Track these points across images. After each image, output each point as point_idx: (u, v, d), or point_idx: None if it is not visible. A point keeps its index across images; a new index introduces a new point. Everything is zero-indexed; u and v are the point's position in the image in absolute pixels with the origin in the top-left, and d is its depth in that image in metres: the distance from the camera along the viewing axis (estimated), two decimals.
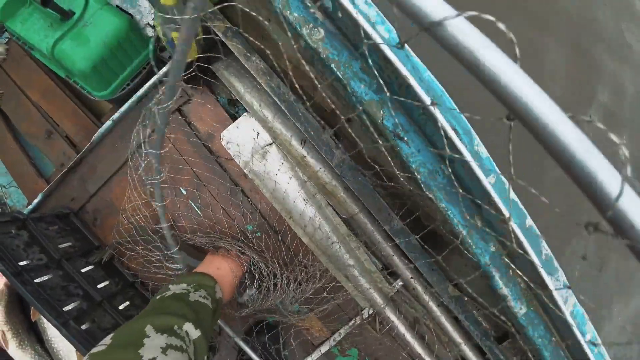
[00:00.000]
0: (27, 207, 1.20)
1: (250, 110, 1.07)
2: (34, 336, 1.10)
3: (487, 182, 0.46)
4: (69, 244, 1.09)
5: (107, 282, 1.08)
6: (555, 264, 0.52)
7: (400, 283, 1.17)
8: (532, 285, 0.49)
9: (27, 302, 1.12)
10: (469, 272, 0.59)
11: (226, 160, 1.13)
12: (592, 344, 0.53)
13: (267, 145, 1.10)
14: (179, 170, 1.14)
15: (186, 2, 0.37)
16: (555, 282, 0.52)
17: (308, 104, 0.69)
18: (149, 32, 1.26)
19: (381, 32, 0.49)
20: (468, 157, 0.44)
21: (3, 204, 1.38)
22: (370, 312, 1.21)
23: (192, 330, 0.59)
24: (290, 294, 1.04)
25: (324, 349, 1.24)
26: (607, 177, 0.19)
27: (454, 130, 0.47)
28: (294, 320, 1.19)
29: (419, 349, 1.16)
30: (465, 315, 0.90)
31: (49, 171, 1.32)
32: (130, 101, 1.11)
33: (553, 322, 0.56)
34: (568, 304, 0.56)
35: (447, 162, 0.47)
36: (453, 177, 0.47)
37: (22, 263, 0.88)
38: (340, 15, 0.49)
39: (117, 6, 1.21)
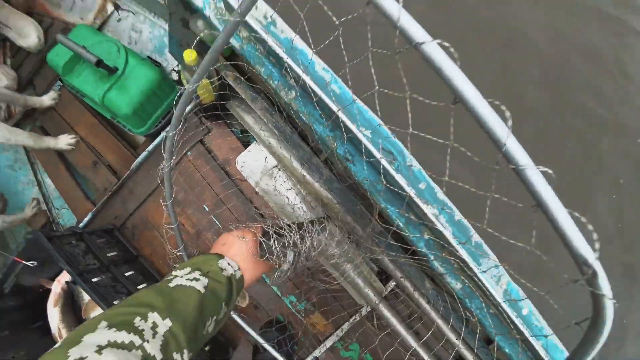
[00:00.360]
0: (77, 224, 1.44)
1: (258, 139, 1.30)
2: None
3: (410, 188, 0.66)
4: (114, 253, 1.32)
5: (144, 284, 1.31)
6: (485, 248, 0.70)
7: (394, 283, 1.35)
8: (462, 264, 0.67)
9: (78, 303, 1.36)
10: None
11: (240, 181, 1.35)
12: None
13: (273, 168, 1.31)
14: (202, 191, 1.37)
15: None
16: (486, 262, 0.71)
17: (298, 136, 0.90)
18: (174, 75, 1.51)
19: (335, 89, 0.70)
20: (393, 172, 0.64)
21: (56, 223, 1.63)
22: (368, 309, 1.39)
23: (159, 321, 0.51)
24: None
25: (328, 343, 1.41)
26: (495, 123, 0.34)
27: (389, 152, 0.67)
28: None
29: (412, 342, 1.32)
30: (444, 306, 1.07)
31: (94, 195, 1.57)
32: (161, 135, 1.35)
33: (488, 297, 0.74)
34: (501, 282, 0.75)
35: (382, 176, 0.67)
36: (388, 185, 0.67)
37: (82, 266, 1.11)
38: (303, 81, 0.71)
39: (149, 57, 1.47)
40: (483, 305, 0.76)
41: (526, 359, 0.81)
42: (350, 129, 0.64)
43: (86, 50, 1.21)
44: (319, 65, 0.71)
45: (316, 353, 1.42)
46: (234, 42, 0.83)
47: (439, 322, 1.23)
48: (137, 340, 0.46)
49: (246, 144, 1.37)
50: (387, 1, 0.31)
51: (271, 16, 0.73)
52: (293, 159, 1.23)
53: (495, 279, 0.74)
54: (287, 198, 1.30)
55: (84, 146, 1.54)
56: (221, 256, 0.69)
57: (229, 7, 0.77)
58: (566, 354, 0.79)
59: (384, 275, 1.37)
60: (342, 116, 0.64)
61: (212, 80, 1.16)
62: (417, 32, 0.31)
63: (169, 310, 0.53)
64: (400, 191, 0.65)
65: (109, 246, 1.33)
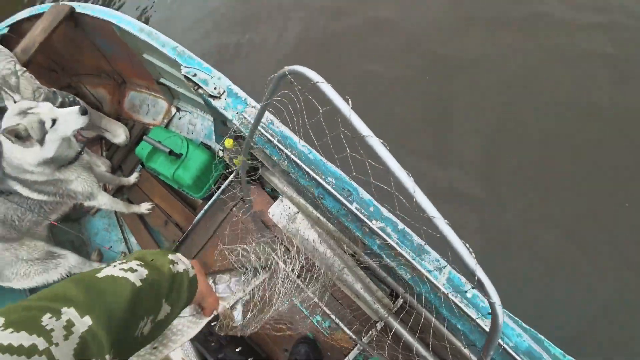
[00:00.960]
0: None
1: (283, 194, 1.75)
2: None
3: (357, 210, 1.06)
4: None
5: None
6: (427, 248, 1.06)
7: (401, 300, 1.66)
8: (409, 261, 1.04)
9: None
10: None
11: (273, 227, 1.79)
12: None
13: (295, 213, 1.75)
14: (245, 237, 1.81)
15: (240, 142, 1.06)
16: (427, 257, 1.07)
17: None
18: (221, 153, 2.05)
19: (310, 157, 1.15)
20: (347, 204, 1.05)
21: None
22: (382, 325, 1.70)
23: (76, 319, 0.41)
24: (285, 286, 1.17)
25: (351, 356, 1.71)
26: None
27: (348, 190, 1.09)
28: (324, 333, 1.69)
29: (425, 354, 1.56)
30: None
31: (164, 246, 2.07)
32: (212, 199, 1.85)
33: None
34: (444, 272, 1.09)
35: (346, 205, 1.07)
36: (353, 211, 1.08)
37: None
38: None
39: (202, 142, 2.03)
40: (430, 289, 1.10)
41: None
42: (319, 181, 1.08)
43: (161, 144, 1.77)
44: (300, 143, 1.17)
45: None
46: (247, 133, 1.31)
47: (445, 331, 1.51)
48: (42, 344, 0.36)
49: (275, 199, 1.83)
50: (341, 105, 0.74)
51: (269, 118, 1.22)
52: (308, 205, 1.67)
53: (438, 270, 1.09)
54: (307, 236, 1.71)
55: (157, 210, 2.08)
56: (172, 253, 0.63)
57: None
58: (516, 329, 1.07)
59: (393, 293, 1.69)
60: (314, 175, 1.09)
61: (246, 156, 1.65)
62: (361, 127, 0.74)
63: (91, 305, 0.43)
64: (358, 213, 1.06)
65: None
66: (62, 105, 1.89)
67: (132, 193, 2.16)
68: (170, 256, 0.62)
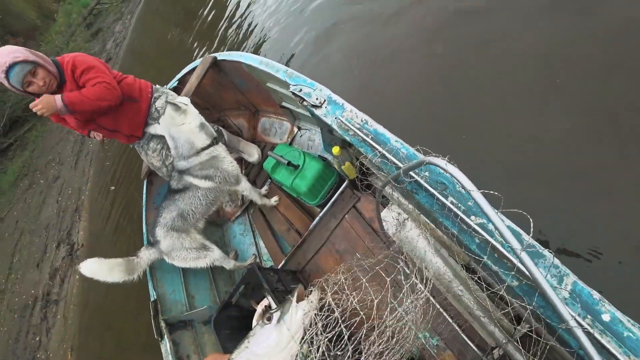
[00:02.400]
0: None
1: (392, 201, 1.77)
2: None
3: (452, 205, 0.99)
4: (294, 285, 1.92)
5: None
6: (540, 249, 0.93)
7: (528, 326, 1.44)
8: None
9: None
10: None
11: (382, 233, 1.82)
12: None
13: (405, 220, 1.74)
14: (355, 242, 1.89)
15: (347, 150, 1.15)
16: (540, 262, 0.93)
17: None
18: (335, 164, 2.21)
19: (403, 151, 1.15)
20: (442, 198, 1.01)
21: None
22: (501, 352, 1.50)
23: None
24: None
25: None
26: None
27: (443, 183, 1.05)
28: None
29: None
30: None
31: (287, 250, 2.29)
32: (327, 206, 1.99)
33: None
34: (566, 282, 0.94)
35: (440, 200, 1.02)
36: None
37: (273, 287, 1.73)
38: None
39: (319, 155, 2.23)
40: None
41: None
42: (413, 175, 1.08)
43: (282, 157, 2.03)
44: (393, 139, 1.20)
45: None
46: (345, 135, 1.39)
47: None
48: None
49: (384, 206, 1.86)
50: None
51: (364, 119, 1.29)
52: (418, 211, 1.65)
53: (558, 278, 0.94)
54: (417, 242, 1.68)
55: (281, 217, 2.34)
56: None
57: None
58: None
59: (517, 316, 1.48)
60: (397, 162, 1.10)
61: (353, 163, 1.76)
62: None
63: None
64: (453, 207, 1.02)
65: (293, 280, 1.94)
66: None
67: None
68: None
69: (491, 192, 0.75)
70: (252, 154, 2.59)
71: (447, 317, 1.56)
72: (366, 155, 1.57)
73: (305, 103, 1.46)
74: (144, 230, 2.41)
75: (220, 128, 2.48)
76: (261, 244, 2.45)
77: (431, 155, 1.01)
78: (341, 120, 1.35)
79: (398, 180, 1.16)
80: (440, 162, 0.72)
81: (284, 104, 2.29)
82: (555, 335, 1.19)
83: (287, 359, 0.66)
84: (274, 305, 1.84)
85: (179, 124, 1.94)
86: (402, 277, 1.61)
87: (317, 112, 1.43)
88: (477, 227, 0.99)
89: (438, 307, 1.59)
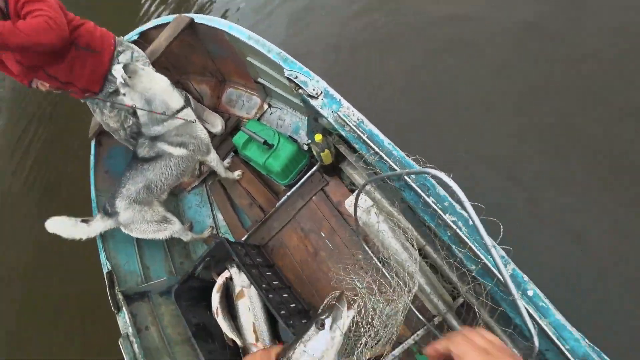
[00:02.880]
0: None
1: (359, 187, 1.94)
2: (229, 314, 1.90)
3: (433, 203, 1.20)
4: (260, 260, 2.00)
5: (277, 282, 1.95)
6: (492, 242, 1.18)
7: (462, 299, 1.75)
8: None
9: (230, 293, 2.00)
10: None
11: (348, 217, 1.98)
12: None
13: (370, 206, 1.92)
14: (321, 223, 2.03)
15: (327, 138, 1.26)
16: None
17: None
18: (305, 147, 2.29)
19: (395, 154, 1.32)
20: (425, 197, 1.20)
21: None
22: (440, 319, 1.80)
23: None
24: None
25: (405, 345, 1.82)
26: None
27: (426, 185, 1.24)
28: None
29: None
30: None
31: (247, 224, 2.34)
32: (296, 186, 2.09)
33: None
34: (508, 268, 1.20)
35: (424, 198, 1.22)
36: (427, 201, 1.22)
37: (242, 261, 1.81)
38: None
39: (289, 136, 2.28)
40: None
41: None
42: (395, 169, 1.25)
43: (257, 135, 2.05)
44: (386, 141, 1.35)
45: (395, 352, 1.84)
46: (341, 131, 1.50)
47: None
48: None
49: (352, 191, 2.02)
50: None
51: (360, 118, 1.41)
52: (384, 199, 1.84)
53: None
54: (378, 227, 1.88)
55: (244, 192, 2.37)
56: None
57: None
58: (573, 332, 1.14)
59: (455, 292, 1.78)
60: (392, 164, 1.26)
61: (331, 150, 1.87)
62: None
63: None
64: (434, 205, 1.21)
65: (257, 255, 2.03)
66: None
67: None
68: None
69: (477, 203, 0.91)
70: (216, 124, 2.53)
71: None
72: (362, 153, 1.67)
73: (301, 91, 1.51)
74: (93, 196, 2.24)
75: (188, 95, 2.37)
76: (219, 217, 2.46)
77: (426, 165, 1.19)
78: (338, 116, 1.44)
79: (389, 179, 1.31)
80: (444, 177, 0.85)
81: (259, 79, 2.27)
82: (487, 307, 1.50)
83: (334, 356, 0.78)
84: (236, 278, 1.91)
85: (153, 84, 1.83)
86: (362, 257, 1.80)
87: (313, 102, 1.50)
88: (451, 223, 1.19)
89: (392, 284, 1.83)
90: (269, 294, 1.67)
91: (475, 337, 0.56)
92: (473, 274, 1.28)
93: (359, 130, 1.38)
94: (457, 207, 1.26)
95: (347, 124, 1.42)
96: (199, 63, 2.62)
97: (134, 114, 2.21)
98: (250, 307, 1.86)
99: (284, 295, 1.87)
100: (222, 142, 2.57)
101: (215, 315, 1.91)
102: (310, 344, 0.71)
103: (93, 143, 2.39)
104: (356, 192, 1.47)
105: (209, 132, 2.58)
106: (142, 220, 1.96)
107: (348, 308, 0.80)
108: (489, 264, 1.16)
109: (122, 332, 1.72)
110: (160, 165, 1.92)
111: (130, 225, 1.96)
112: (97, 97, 2.07)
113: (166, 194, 2.11)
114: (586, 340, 1.08)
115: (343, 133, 1.44)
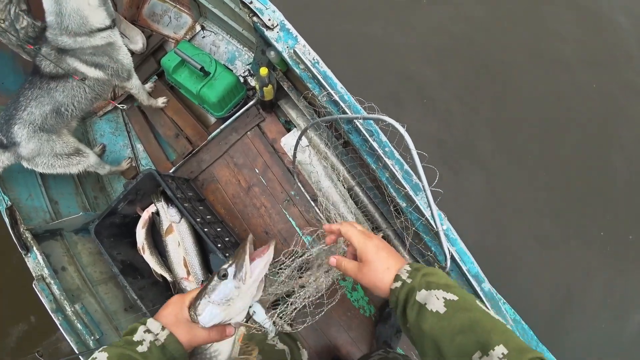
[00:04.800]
0: None
1: (297, 126, 1.95)
2: (156, 249, 1.87)
3: (376, 147, 1.33)
4: (191, 194, 1.93)
5: (209, 216, 1.93)
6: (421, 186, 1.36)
7: (381, 234, 1.98)
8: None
9: (157, 228, 1.93)
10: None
11: (282, 154, 2.00)
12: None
13: (306, 146, 1.97)
14: (255, 159, 2.01)
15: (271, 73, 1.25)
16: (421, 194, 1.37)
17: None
18: (241, 79, 2.16)
19: (345, 97, 1.37)
20: (370, 140, 1.31)
21: None
22: None
23: None
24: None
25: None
26: None
27: (371, 131, 1.34)
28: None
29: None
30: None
31: (172, 157, 2.19)
32: (231, 119, 2.00)
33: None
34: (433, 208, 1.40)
35: (369, 142, 1.32)
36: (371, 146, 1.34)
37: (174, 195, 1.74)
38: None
39: (224, 64, 2.12)
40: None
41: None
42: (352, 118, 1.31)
43: (193, 60, 1.86)
44: (339, 85, 1.38)
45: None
46: (295, 68, 1.47)
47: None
48: None
49: (288, 130, 2.02)
50: None
51: (316, 58, 1.40)
52: (319, 139, 1.89)
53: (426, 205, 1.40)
54: (313, 166, 1.95)
55: (169, 121, 2.18)
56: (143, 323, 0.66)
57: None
58: (471, 257, 1.42)
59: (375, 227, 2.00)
60: (344, 107, 1.32)
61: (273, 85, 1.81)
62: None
63: None
64: (378, 149, 1.31)
65: (187, 189, 1.95)
66: None
67: None
68: (135, 335, 0.64)
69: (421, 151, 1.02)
70: (136, 40, 2.19)
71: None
72: (315, 94, 1.64)
73: (255, 19, 1.39)
74: None
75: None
76: (139, 147, 2.25)
77: (376, 111, 1.25)
78: (294, 52, 1.39)
79: (342, 122, 1.36)
80: (399, 127, 0.93)
81: None
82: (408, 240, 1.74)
83: (249, 301, 0.71)
84: (162, 213, 1.84)
85: None
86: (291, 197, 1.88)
87: (268, 33, 1.40)
88: (392, 166, 1.31)
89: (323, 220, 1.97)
90: (204, 228, 1.65)
91: (357, 225, 0.79)
92: (404, 213, 1.45)
93: (315, 70, 1.36)
94: (396, 153, 1.38)
95: (302, 62, 1.38)
96: None
97: (29, 10, 1.78)
98: (180, 242, 1.83)
99: (218, 229, 1.87)
100: (142, 62, 2.26)
101: (142, 252, 1.84)
102: (214, 294, 0.68)
103: None
104: (300, 131, 1.48)
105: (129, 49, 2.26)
106: (51, 153, 1.68)
107: (257, 256, 0.72)
108: (420, 204, 1.32)
109: (34, 275, 1.54)
110: (71, 86, 1.63)
111: (35, 159, 1.66)
112: None
113: (76, 121, 1.83)
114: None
115: (297, 71, 1.40)
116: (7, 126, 1.59)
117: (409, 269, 0.67)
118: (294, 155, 1.59)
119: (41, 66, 1.58)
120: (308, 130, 1.92)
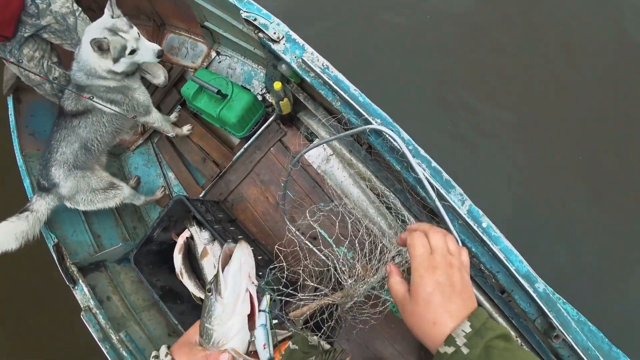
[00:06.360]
0: None
1: (318, 136, 1.92)
2: (194, 273, 1.90)
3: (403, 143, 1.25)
4: (221, 215, 1.95)
5: (241, 236, 1.93)
6: (453, 183, 1.26)
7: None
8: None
9: (193, 253, 1.96)
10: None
11: (307, 166, 1.98)
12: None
13: (330, 155, 1.93)
14: (281, 174, 2.00)
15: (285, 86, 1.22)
16: (453, 191, 1.27)
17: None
18: (259, 97, 2.19)
19: (360, 99, 1.32)
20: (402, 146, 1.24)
21: None
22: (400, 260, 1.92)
23: None
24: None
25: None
26: None
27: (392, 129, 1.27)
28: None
29: None
30: None
31: (201, 181, 2.25)
32: (253, 137, 2.01)
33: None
34: (465, 204, 1.30)
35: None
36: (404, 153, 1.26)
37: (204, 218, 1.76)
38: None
39: (242, 85, 2.16)
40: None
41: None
42: (365, 115, 1.25)
43: (210, 85, 1.91)
44: (352, 87, 1.34)
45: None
46: (305, 77, 1.46)
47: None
48: None
49: (310, 141, 2.00)
50: None
51: (325, 64, 1.37)
52: (343, 147, 1.85)
53: (461, 202, 1.30)
54: (338, 176, 1.91)
55: (195, 147, 2.24)
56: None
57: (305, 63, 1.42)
58: (518, 255, 1.29)
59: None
60: (360, 109, 1.26)
61: (289, 98, 1.81)
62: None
63: None
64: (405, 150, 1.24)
65: (217, 211, 1.97)
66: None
67: None
68: None
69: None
70: (158, 75, 2.30)
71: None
72: (326, 97, 1.62)
73: (261, 35, 1.40)
74: (22, 167, 1.93)
75: None
76: (171, 175, 2.33)
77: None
78: (303, 61, 1.37)
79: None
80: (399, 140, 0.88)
81: (206, 23, 2.07)
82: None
83: (240, 319, 0.65)
84: (197, 237, 1.87)
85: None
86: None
87: (274, 47, 1.41)
88: (415, 165, 1.23)
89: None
90: None
91: (433, 235, 0.58)
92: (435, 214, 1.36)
93: (325, 75, 1.33)
94: (421, 150, 1.31)
95: (312, 70, 1.36)
96: (131, 2, 2.31)
97: (60, 62, 1.93)
98: (215, 264, 1.84)
99: (251, 248, 1.86)
100: (165, 95, 2.36)
101: (180, 277, 1.87)
102: (204, 313, 0.64)
103: (10, 100, 2.06)
104: (297, 156, 1.43)
105: (151, 84, 2.37)
106: (88, 189, 1.78)
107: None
108: (453, 201, 1.23)
109: (82, 306, 1.62)
110: (92, 121, 1.72)
111: (75, 197, 1.77)
112: (7, 44, 1.76)
113: (105, 156, 1.93)
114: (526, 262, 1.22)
115: (308, 79, 1.38)
116: (46, 170, 1.72)
117: (469, 330, 0.49)
118: (289, 173, 1.55)
119: (64, 106, 1.70)
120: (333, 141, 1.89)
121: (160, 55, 1.68)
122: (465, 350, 0.47)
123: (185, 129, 2.22)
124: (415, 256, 0.56)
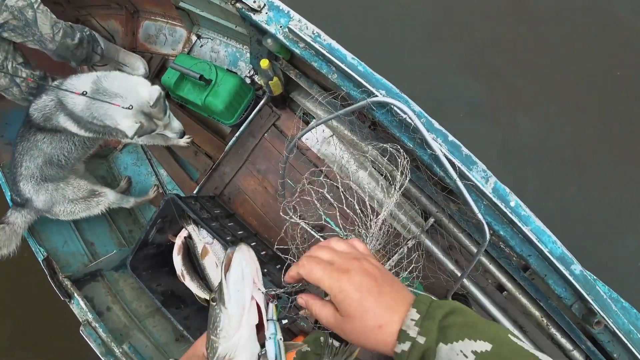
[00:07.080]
0: None
1: (315, 116, 1.77)
2: (196, 274, 1.77)
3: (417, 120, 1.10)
4: (218, 211, 1.82)
5: (241, 232, 1.81)
6: (474, 159, 1.11)
7: (432, 219, 1.73)
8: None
9: (193, 252, 1.84)
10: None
11: (306, 150, 1.83)
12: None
13: (329, 137, 1.78)
14: (278, 161, 1.86)
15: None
16: (475, 168, 1.12)
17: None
18: (247, 80, 2.02)
19: (360, 68, 1.16)
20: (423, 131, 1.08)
21: None
22: (413, 242, 1.79)
23: None
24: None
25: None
26: None
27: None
28: None
29: (453, 268, 1.65)
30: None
31: (195, 176, 2.11)
32: (244, 124, 1.86)
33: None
34: (490, 182, 1.15)
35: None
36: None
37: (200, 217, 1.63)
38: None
39: (227, 69, 1.99)
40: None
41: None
42: (373, 92, 1.09)
43: (191, 71, 1.75)
44: (349, 56, 1.17)
45: None
46: (294, 48, 1.29)
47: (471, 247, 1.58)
48: None
49: (307, 122, 1.84)
50: None
51: (316, 31, 1.20)
52: (343, 127, 1.70)
53: (484, 179, 1.16)
54: (341, 156, 1.76)
55: None
56: None
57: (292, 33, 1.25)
58: (551, 236, 1.15)
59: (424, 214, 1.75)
60: (361, 80, 1.10)
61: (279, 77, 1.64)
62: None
63: None
64: (419, 124, 1.09)
65: (214, 207, 1.84)
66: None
67: None
68: None
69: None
70: (137, 66, 2.13)
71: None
72: (320, 70, 1.46)
73: (239, 5, 1.23)
74: (2, 179, 1.78)
75: (94, 33, 1.92)
76: (162, 172, 2.19)
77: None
78: (290, 30, 1.21)
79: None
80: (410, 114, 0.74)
81: (181, 4, 1.89)
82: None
83: (248, 332, 0.58)
84: (195, 236, 1.74)
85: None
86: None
87: (256, 17, 1.24)
88: (431, 141, 1.08)
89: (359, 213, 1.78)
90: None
91: (320, 252, 0.53)
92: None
93: (317, 45, 1.17)
94: (435, 123, 1.15)
95: (302, 40, 1.20)
96: None
97: (26, 62, 1.77)
98: (217, 262, 1.72)
99: (252, 243, 1.75)
100: None
101: (182, 279, 1.76)
102: (210, 325, 0.59)
103: None
104: (293, 140, 1.28)
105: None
106: (64, 200, 1.65)
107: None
108: (476, 179, 1.09)
109: (80, 321, 1.51)
110: (59, 139, 1.56)
111: (53, 209, 1.64)
112: None
113: (82, 164, 1.78)
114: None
115: (298, 51, 1.22)
116: (15, 186, 1.59)
117: (417, 317, 0.44)
118: (285, 164, 1.40)
119: (32, 116, 1.53)
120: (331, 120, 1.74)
121: (182, 136, 1.68)
122: (421, 340, 0.42)
123: (183, 141, 1.97)
124: (320, 278, 0.50)
